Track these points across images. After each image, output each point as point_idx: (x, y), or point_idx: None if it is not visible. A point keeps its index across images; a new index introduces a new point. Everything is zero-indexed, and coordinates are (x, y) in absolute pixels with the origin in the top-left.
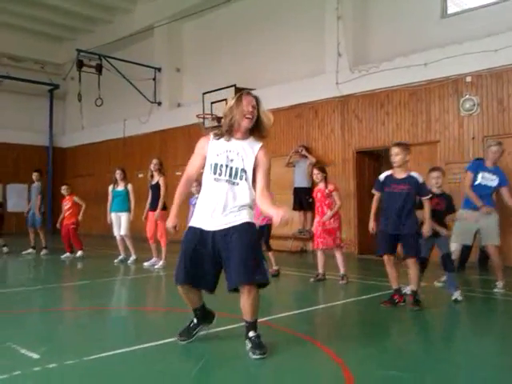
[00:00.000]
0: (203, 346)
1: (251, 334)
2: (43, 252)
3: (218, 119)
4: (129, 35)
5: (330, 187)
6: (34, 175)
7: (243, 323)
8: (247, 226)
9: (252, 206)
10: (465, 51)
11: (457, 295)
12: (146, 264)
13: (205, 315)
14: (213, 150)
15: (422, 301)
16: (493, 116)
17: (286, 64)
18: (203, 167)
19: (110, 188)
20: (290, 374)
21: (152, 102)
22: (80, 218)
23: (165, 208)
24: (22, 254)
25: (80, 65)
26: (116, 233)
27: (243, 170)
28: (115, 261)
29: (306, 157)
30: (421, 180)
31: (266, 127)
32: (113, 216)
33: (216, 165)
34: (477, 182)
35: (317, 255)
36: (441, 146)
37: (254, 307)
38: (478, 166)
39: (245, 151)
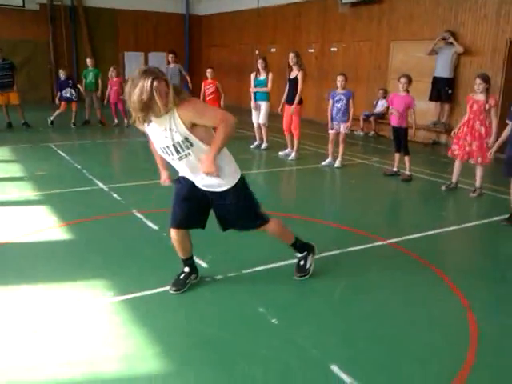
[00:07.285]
0: (338, 265)
1: (298, 255)
2: None
3: None
4: None
5: (492, 101)
6: (170, 57)
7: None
8: (233, 190)
9: (222, 159)
10: None
11: None
12: (280, 153)
13: (194, 265)
14: (151, 136)
15: None
16: None
17: None
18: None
19: (253, 76)
20: (415, 307)
21: None
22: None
23: (301, 102)
24: None
25: None
26: (254, 120)
27: (184, 140)
28: (251, 146)
29: (452, 44)
30: None
31: (170, 99)
32: (252, 104)
33: (162, 149)
34: None
35: (453, 159)
36: None
37: (281, 237)
38: None
39: (170, 123)
